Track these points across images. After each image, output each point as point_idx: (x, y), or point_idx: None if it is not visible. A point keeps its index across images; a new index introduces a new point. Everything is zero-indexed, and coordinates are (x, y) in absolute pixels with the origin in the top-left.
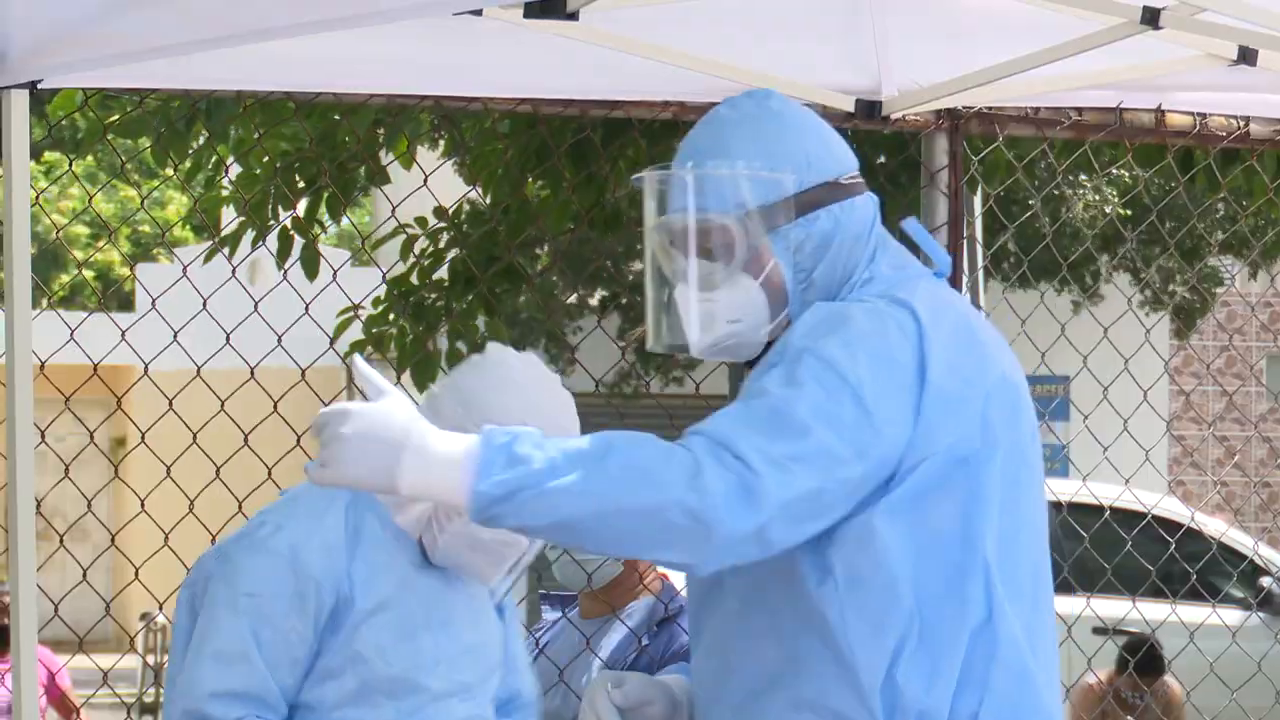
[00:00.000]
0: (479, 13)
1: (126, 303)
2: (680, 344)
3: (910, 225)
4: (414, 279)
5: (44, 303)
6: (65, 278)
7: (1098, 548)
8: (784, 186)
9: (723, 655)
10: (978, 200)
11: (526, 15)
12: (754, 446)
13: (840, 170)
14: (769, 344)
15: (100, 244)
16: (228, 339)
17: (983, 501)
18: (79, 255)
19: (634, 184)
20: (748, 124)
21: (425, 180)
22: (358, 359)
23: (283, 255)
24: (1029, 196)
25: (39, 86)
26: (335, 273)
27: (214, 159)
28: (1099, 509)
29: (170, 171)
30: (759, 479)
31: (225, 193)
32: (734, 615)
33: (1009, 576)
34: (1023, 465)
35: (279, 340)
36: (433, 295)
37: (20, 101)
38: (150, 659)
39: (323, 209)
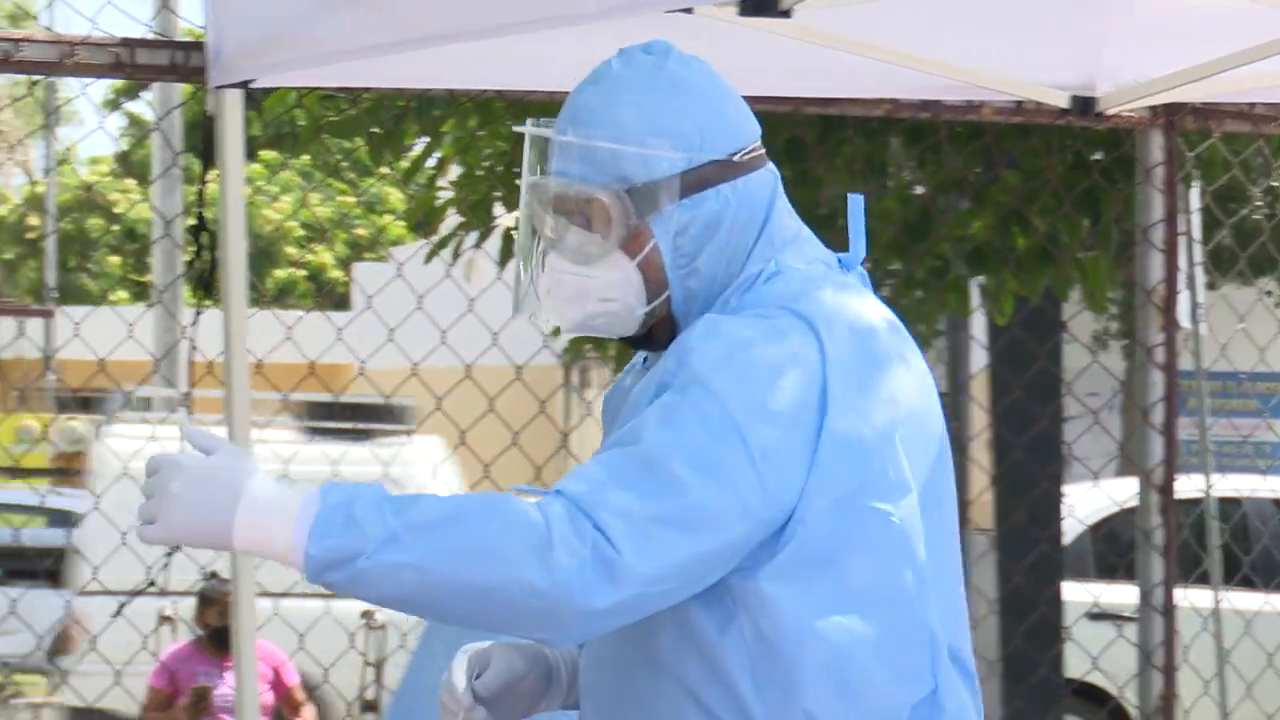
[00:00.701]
0: (690, 10)
1: (342, 301)
2: (547, 316)
3: (852, 202)
4: None
5: (260, 301)
6: (280, 273)
7: None
8: (670, 164)
9: (620, 685)
10: (1194, 196)
11: (741, 13)
12: (617, 511)
13: (735, 145)
14: (652, 328)
15: (314, 246)
16: (443, 337)
17: (907, 554)
18: (293, 253)
19: (517, 132)
20: (640, 89)
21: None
22: (185, 425)
23: (504, 255)
24: (1246, 192)
25: (251, 86)
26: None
27: (434, 158)
28: None
29: (385, 170)
30: (618, 555)
31: (444, 192)
32: (617, 664)
33: (952, 638)
34: (936, 505)
35: (494, 338)
36: None
37: (234, 100)
38: (370, 657)
39: None
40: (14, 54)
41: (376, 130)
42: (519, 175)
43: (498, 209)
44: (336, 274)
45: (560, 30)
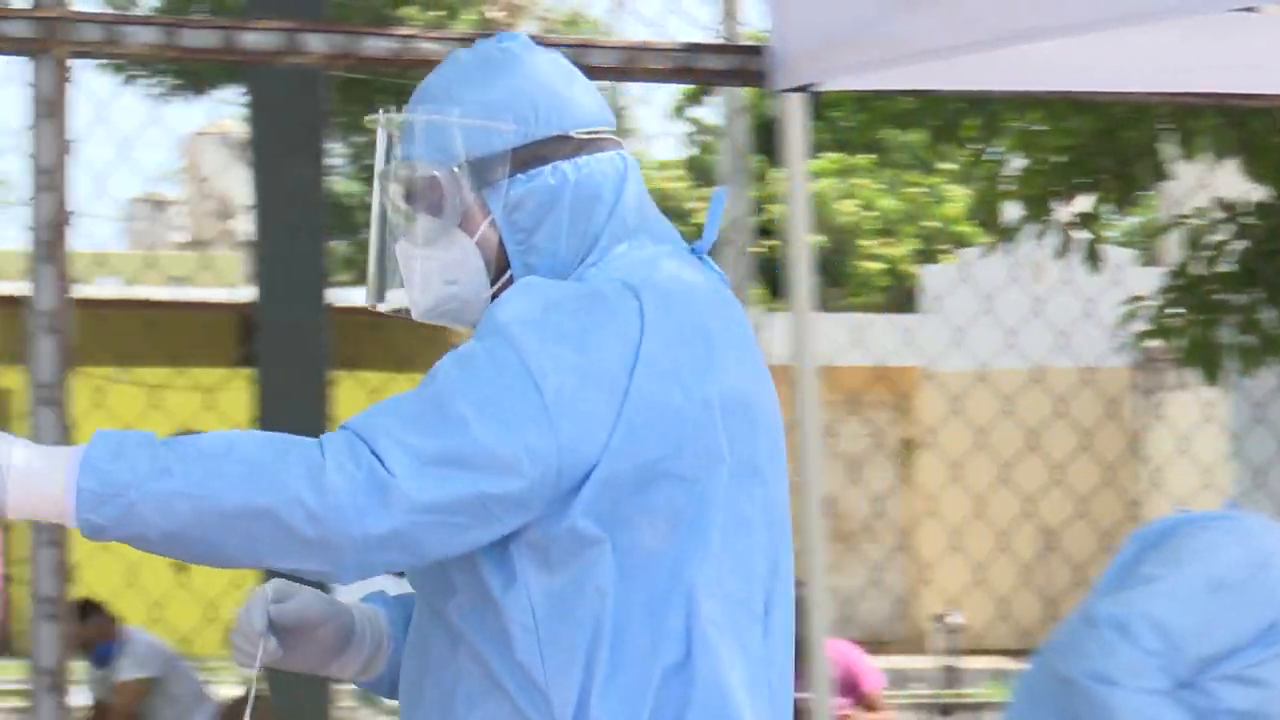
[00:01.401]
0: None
1: (908, 303)
2: (398, 303)
3: (716, 193)
4: (1196, 270)
5: (834, 304)
6: (858, 268)
7: None
8: (503, 139)
9: (420, 657)
10: None
11: None
12: (397, 441)
13: (577, 123)
14: None
15: (884, 241)
16: (1010, 339)
17: (697, 525)
18: (867, 252)
19: (368, 124)
20: (478, 69)
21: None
22: None
23: (1063, 252)
24: None
25: (811, 90)
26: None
27: (996, 151)
28: None
29: (947, 166)
30: (391, 478)
31: (1005, 188)
32: (427, 614)
33: (729, 613)
34: (757, 484)
35: (1062, 340)
36: (1216, 287)
37: (796, 105)
38: (947, 660)
39: (1101, 206)
40: (581, 59)
41: (936, 124)
42: (1080, 172)
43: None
44: (908, 270)
45: (1124, 29)
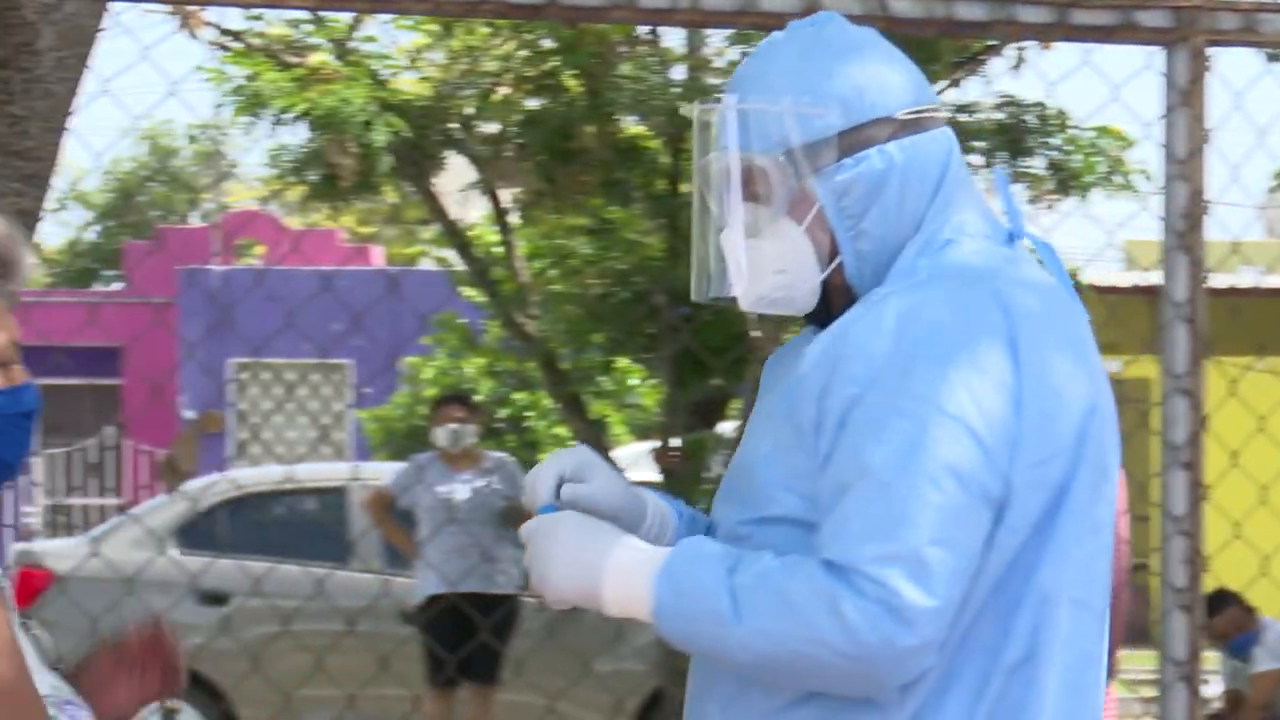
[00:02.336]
0: None
1: None
2: (725, 294)
3: (998, 174)
4: None
5: None
6: None
7: None
8: (827, 124)
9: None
10: None
11: None
12: (885, 558)
13: (901, 103)
14: (826, 301)
15: None
16: None
17: (1054, 528)
18: None
19: (684, 114)
20: (796, 54)
21: None
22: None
23: None
24: None
25: None
26: None
27: None
28: None
29: None
30: (900, 597)
31: None
32: None
33: (1075, 616)
34: (1106, 486)
35: None
36: None
37: None
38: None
39: None
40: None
41: None
42: None
43: None
44: None
45: None
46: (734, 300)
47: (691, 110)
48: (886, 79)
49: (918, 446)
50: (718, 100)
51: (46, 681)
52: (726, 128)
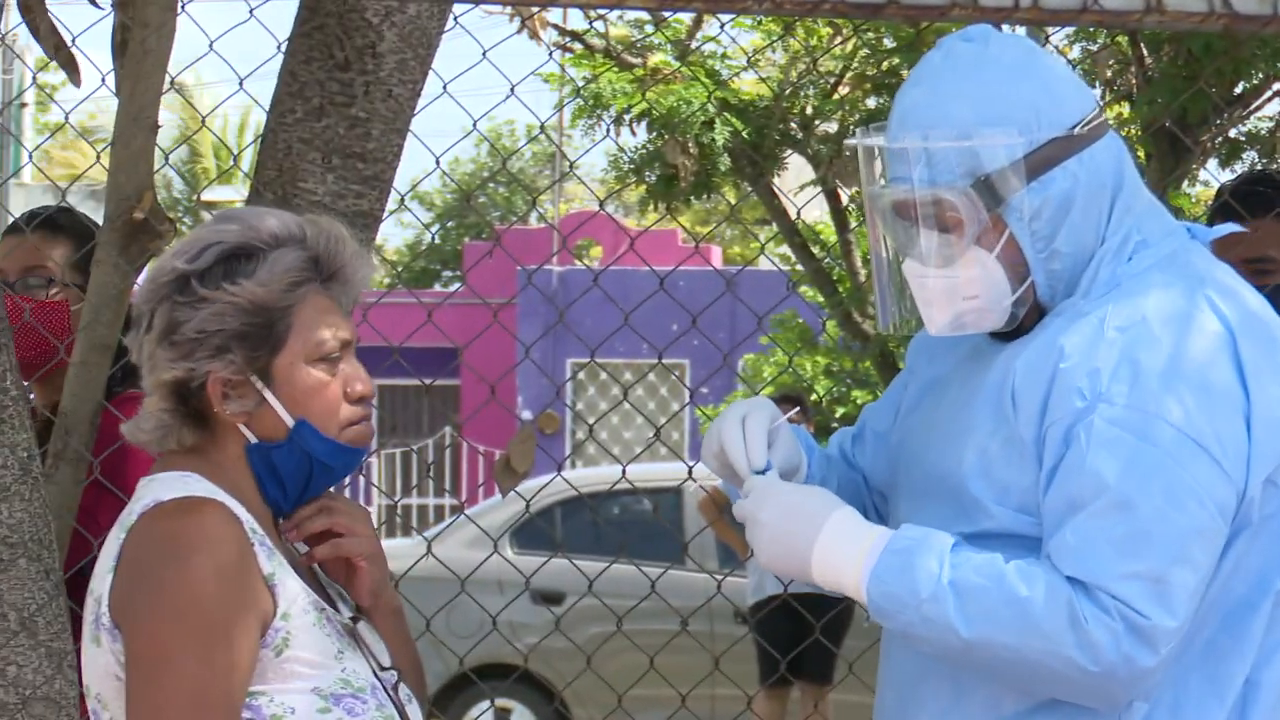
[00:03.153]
0: None
1: None
2: (916, 325)
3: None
4: None
5: None
6: None
7: None
8: (1010, 150)
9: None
10: None
11: None
12: (1129, 576)
13: (1074, 117)
14: (1023, 319)
15: None
16: None
17: None
18: None
19: (847, 149)
20: (965, 79)
21: None
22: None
23: None
24: None
25: None
26: None
27: None
28: None
29: None
30: (1145, 620)
31: None
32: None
33: None
34: None
35: None
36: None
37: None
38: None
39: None
40: None
41: None
42: None
43: None
44: None
45: None
46: (920, 328)
47: (855, 139)
48: (1058, 94)
49: (1156, 465)
50: (880, 129)
51: (334, 674)
52: (909, 162)
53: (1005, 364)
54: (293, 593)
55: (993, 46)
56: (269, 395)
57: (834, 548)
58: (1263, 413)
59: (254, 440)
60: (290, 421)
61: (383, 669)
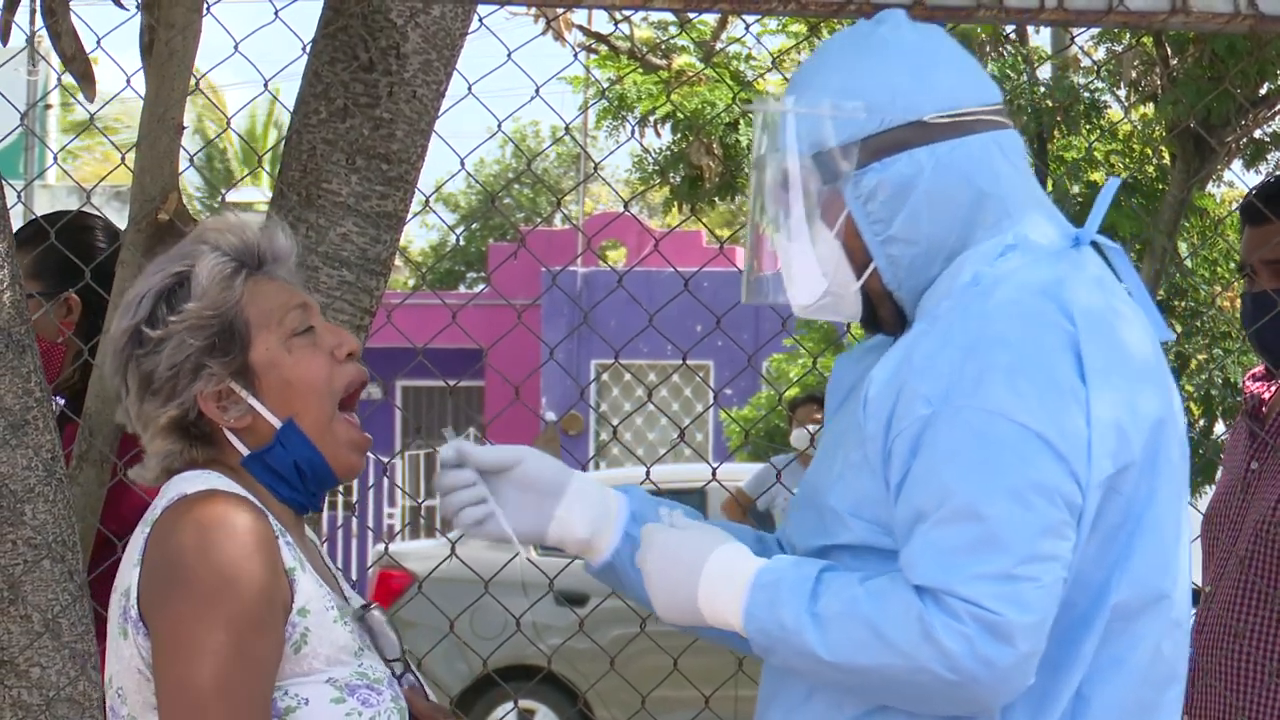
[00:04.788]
0: None
1: None
2: (776, 298)
3: (1110, 181)
4: None
5: None
6: None
7: None
8: (858, 127)
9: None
10: None
11: None
12: (976, 577)
13: (935, 107)
14: (872, 308)
15: None
16: None
17: (1128, 543)
18: None
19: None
20: (844, 53)
21: None
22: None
23: None
24: None
25: None
26: None
27: None
28: None
29: None
30: (998, 617)
31: None
32: None
33: (1149, 636)
34: (1180, 499)
35: None
36: None
37: None
38: None
39: None
40: None
41: None
42: None
43: None
44: None
45: None
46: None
47: (749, 107)
48: (927, 81)
49: (999, 464)
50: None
51: (351, 669)
52: (773, 128)
53: (866, 371)
54: (310, 590)
55: (885, 28)
56: (252, 400)
57: (715, 589)
58: (1101, 413)
59: (246, 452)
60: (277, 423)
61: (389, 660)
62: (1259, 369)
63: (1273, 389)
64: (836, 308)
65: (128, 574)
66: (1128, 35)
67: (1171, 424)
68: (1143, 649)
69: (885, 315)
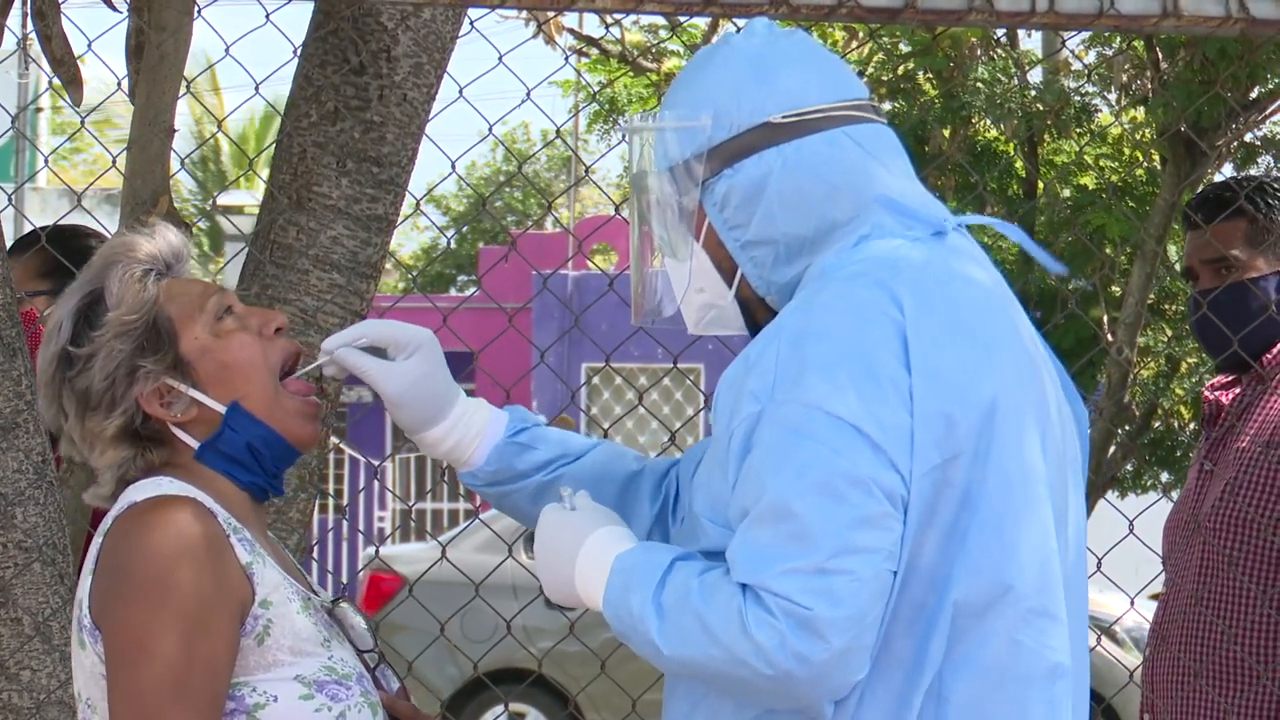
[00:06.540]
0: None
1: None
2: (664, 318)
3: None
4: None
5: None
6: None
7: None
8: (707, 135)
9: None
10: None
11: None
12: (785, 573)
13: (782, 107)
14: (757, 317)
15: None
16: None
17: (964, 536)
18: None
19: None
20: (701, 68)
21: None
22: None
23: None
24: None
25: None
26: None
27: None
28: None
29: None
30: (808, 611)
31: None
32: None
33: (1007, 624)
34: (1040, 489)
35: None
36: None
37: None
38: None
39: None
40: None
41: None
42: None
43: None
44: None
45: None
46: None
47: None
48: (773, 83)
49: (812, 458)
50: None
51: (319, 661)
52: (631, 149)
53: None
54: (273, 581)
55: (739, 37)
56: (192, 392)
57: (587, 573)
58: (928, 404)
59: (195, 444)
60: (221, 409)
61: (362, 651)
62: (1220, 379)
63: (1230, 396)
64: (722, 321)
65: (83, 584)
66: (1119, 39)
67: (1017, 411)
68: (995, 644)
69: (764, 322)
